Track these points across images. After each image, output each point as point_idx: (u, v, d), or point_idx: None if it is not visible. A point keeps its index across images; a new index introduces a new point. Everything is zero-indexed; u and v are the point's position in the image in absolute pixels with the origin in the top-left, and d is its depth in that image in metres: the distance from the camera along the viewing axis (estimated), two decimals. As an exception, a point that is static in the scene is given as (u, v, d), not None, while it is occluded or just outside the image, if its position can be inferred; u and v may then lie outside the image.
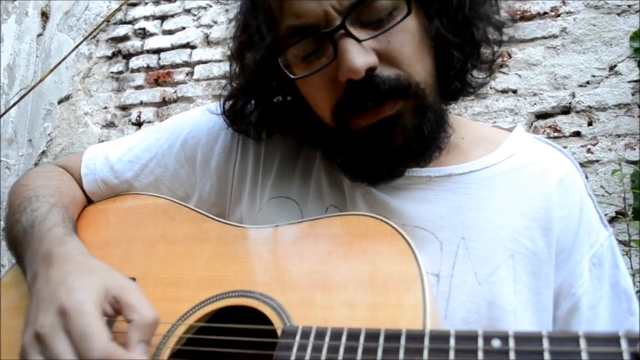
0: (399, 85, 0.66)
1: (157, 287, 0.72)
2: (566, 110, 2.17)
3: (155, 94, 3.02)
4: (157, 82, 3.03)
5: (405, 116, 0.68)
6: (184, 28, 3.01)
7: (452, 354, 0.48)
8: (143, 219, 0.84)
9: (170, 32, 3.05)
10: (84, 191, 0.92)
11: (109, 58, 3.20)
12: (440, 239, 0.72)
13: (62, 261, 0.68)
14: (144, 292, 0.71)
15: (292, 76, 0.70)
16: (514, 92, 2.26)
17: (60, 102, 3.26)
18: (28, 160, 3.30)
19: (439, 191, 0.75)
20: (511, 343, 0.47)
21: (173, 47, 3.01)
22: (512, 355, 0.46)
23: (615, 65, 2.11)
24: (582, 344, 0.45)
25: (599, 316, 0.74)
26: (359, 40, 0.64)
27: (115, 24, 3.21)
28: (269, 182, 0.83)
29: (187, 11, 3.02)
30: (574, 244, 0.74)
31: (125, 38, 3.17)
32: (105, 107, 3.14)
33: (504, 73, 2.25)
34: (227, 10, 2.90)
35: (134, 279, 0.74)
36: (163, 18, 3.09)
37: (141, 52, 3.11)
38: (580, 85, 2.15)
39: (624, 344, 0.44)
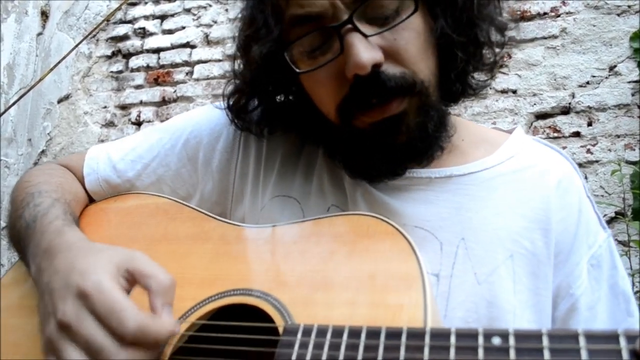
0: (405, 82, 0.66)
1: None
2: (566, 111, 2.17)
3: (155, 93, 3.02)
4: (156, 82, 3.03)
5: (409, 115, 0.69)
6: (183, 27, 3.01)
7: (452, 352, 0.48)
8: (144, 219, 0.84)
9: (170, 32, 3.05)
10: (86, 191, 0.92)
11: (109, 57, 3.20)
12: (440, 239, 0.72)
13: (65, 250, 0.67)
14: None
15: (297, 70, 0.70)
16: (514, 92, 2.26)
17: (59, 101, 3.26)
18: (27, 159, 3.30)
19: (439, 192, 0.75)
20: (511, 341, 0.47)
21: (173, 47, 3.01)
22: (512, 352, 0.47)
23: (615, 66, 2.12)
24: (582, 341, 0.45)
25: (597, 317, 0.74)
26: (365, 36, 0.64)
27: (115, 23, 3.21)
28: (270, 180, 0.83)
29: (187, 11, 3.02)
30: (572, 245, 0.75)
31: (125, 37, 3.17)
32: (105, 107, 3.14)
33: (503, 73, 2.25)
34: (227, 10, 2.90)
35: None
36: (163, 17, 3.09)
37: (141, 52, 3.11)
38: (580, 86, 2.16)
39: (622, 342, 0.44)
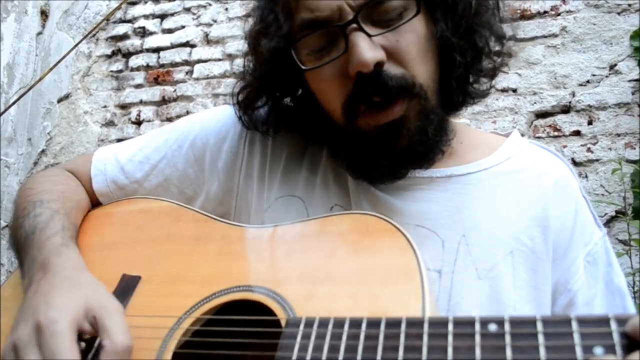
0: (405, 83, 0.69)
1: (163, 285, 0.74)
2: (566, 110, 2.17)
3: (155, 92, 3.02)
4: (156, 81, 3.03)
5: (410, 118, 0.71)
6: (183, 27, 3.02)
7: (450, 338, 0.50)
8: (148, 221, 0.85)
9: (169, 31, 3.06)
10: (91, 195, 0.94)
11: (109, 57, 3.20)
12: (441, 237, 0.74)
13: (54, 273, 0.71)
14: (150, 290, 0.74)
15: (303, 67, 0.73)
16: (514, 91, 2.26)
17: (59, 100, 3.26)
18: (27, 159, 3.30)
19: (440, 191, 0.77)
20: (507, 327, 0.49)
21: (173, 46, 3.02)
22: (507, 337, 0.48)
23: (616, 64, 2.12)
24: (574, 325, 0.47)
25: (594, 312, 0.76)
26: (369, 35, 0.68)
27: (114, 22, 3.22)
28: (275, 181, 0.85)
29: (187, 10, 3.03)
30: (569, 243, 0.77)
31: (124, 37, 3.17)
32: (105, 106, 3.14)
33: (504, 72, 2.24)
34: (226, 9, 2.91)
35: (139, 277, 0.75)
36: (163, 17, 3.09)
37: (141, 51, 3.11)
38: (580, 84, 2.16)
39: (613, 325, 0.45)
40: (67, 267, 0.72)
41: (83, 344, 0.64)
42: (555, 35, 2.23)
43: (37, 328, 0.62)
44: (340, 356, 0.52)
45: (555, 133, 2.17)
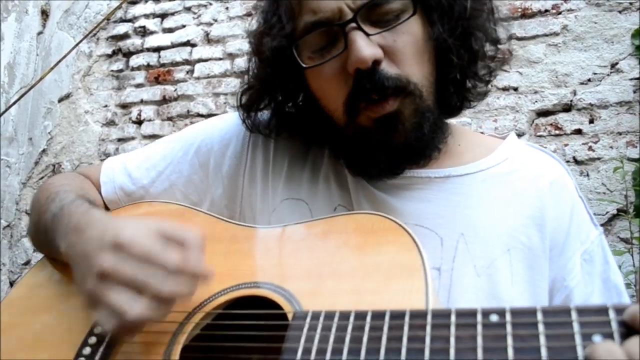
0: (399, 83, 0.72)
1: None
2: (567, 108, 2.17)
3: (155, 92, 3.02)
4: (157, 80, 3.03)
5: (405, 115, 0.74)
6: (184, 26, 3.02)
7: (453, 329, 0.51)
8: None
9: (170, 30, 3.06)
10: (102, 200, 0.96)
11: (109, 56, 3.20)
12: (440, 235, 0.76)
13: (95, 222, 0.70)
14: None
15: (304, 65, 0.75)
16: (515, 89, 2.26)
17: (60, 100, 3.27)
18: (28, 158, 3.30)
19: (438, 191, 0.80)
20: (508, 317, 0.50)
21: (173, 45, 3.02)
22: (508, 327, 0.49)
23: (617, 63, 2.12)
24: (574, 315, 0.48)
25: None
26: (367, 34, 0.71)
27: (115, 22, 3.22)
28: (279, 184, 0.87)
29: (188, 9, 3.03)
30: (565, 241, 0.78)
31: (125, 36, 3.18)
32: (106, 106, 3.14)
33: (505, 70, 2.25)
34: (227, 8, 2.91)
35: None
36: (163, 16, 3.09)
37: (141, 50, 3.12)
38: (582, 83, 2.16)
39: (612, 314, 0.46)
40: (104, 216, 0.73)
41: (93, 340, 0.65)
42: (556, 34, 2.23)
43: (117, 247, 0.61)
44: (346, 346, 0.54)
45: (557, 132, 2.17)
